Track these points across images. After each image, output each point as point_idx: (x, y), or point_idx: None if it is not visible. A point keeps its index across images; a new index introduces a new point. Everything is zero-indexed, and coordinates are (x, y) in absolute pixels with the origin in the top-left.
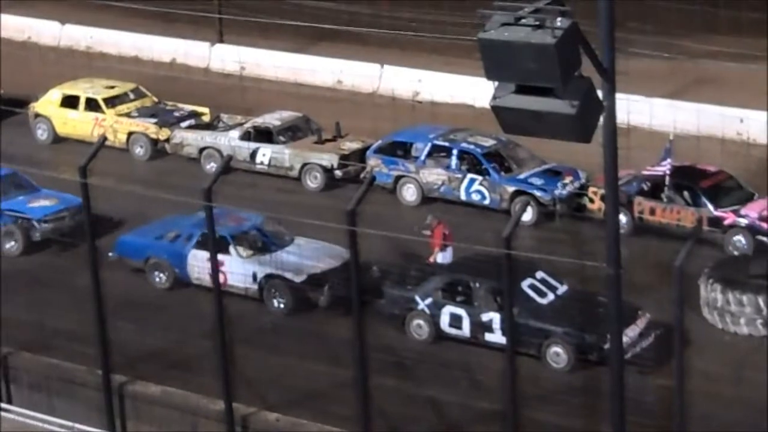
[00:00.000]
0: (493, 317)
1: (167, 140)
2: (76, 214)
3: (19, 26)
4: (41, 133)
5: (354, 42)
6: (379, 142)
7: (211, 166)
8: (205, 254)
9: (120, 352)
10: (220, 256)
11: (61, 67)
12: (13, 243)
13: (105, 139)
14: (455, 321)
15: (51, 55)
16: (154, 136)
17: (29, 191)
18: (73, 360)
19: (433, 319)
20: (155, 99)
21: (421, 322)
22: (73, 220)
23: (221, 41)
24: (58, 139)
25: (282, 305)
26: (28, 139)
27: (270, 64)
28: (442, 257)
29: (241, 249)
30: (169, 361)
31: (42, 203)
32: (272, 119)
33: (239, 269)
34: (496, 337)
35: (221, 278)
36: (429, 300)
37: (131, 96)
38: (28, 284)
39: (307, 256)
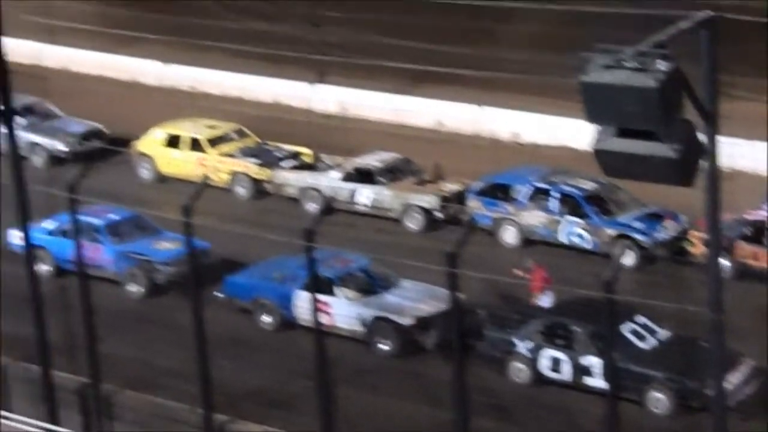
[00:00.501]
0: (593, 361)
1: (269, 180)
2: (199, 258)
3: (124, 66)
4: (144, 173)
5: (455, 83)
6: (480, 184)
7: (312, 207)
8: (311, 296)
9: (222, 391)
10: (326, 298)
11: (164, 107)
12: (136, 286)
13: (208, 178)
14: (555, 364)
15: (155, 95)
16: (256, 176)
17: (153, 234)
18: (176, 398)
19: (533, 363)
20: (257, 139)
21: (521, 365)
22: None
23: (323, 82)
24: (161, 179)
25: (388, 347)
26: (131, 178)
27: (371, 105)
28: (543, 300)
29: (347, 291)
30: (270, 401)
31: (165, 246)
32: (373, 160)
33: (345, 311)
34: (597, 381)
35: (327, 320)
36: (529, 343)
37: (234, 136)
38: (140, 323)
39: (413, 298)
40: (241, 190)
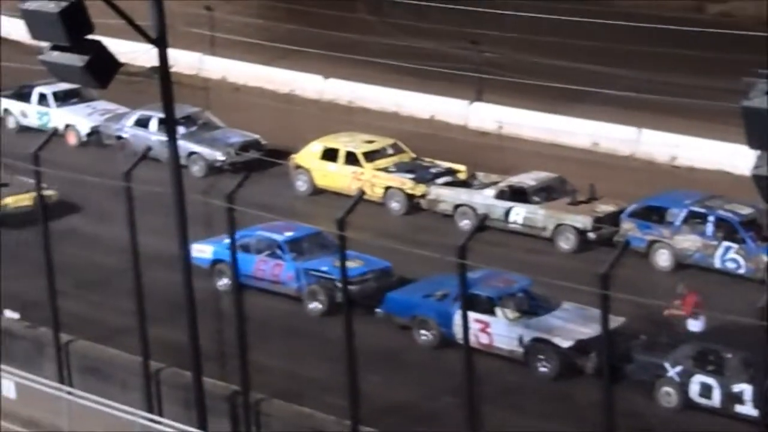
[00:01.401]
0: (745, 389)
1: (423, 196)
2: (381, 277)
3: (284, 79)
4: (301, 185)
5: (613, 104)
6: (634, 205)
7: (466, 224)
8: (471, 315)
9: (370, 405)
10: (486, 317)
11: (322, 121)
12: (316, 303)
13: (363, 193)
14: (705, 390)
15: (313, 109)
16: (410, 191)
17: (334, 251)
18: (324, 410)
19: (682, 388)
20: (413, 155)
21: (670, 389)
22: (377, 282)
23: (480, 100)
24: (316, 191)
25: (547, 369)
26: (287, 191)
27: (528, 124)
28: (694, 325)
29: (507, 311)
30: (417, 416)
31: (348, 264)
32: (528, 179)
33: (505, 331)
34: (747, 409)
35: (486, 339)
36: (679, 368)
37: (390, 151)
38: (294, 335)
39: (573, 320)
40: (395, 206)
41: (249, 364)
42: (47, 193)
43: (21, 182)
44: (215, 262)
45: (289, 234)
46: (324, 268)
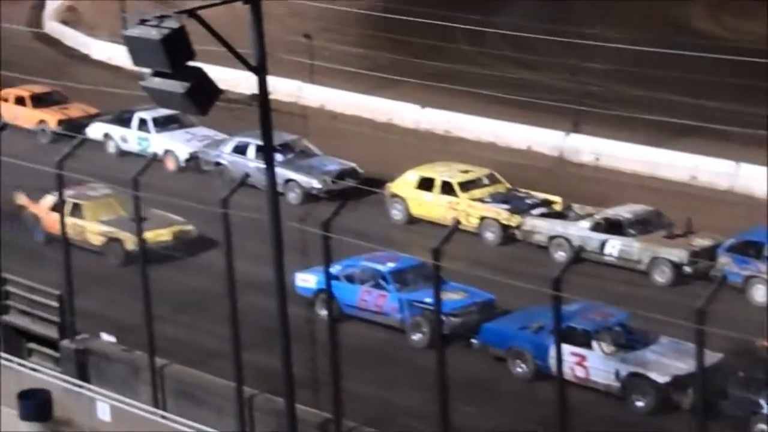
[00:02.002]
0: None
1: (518, 227)
2: (483, 309)
3: (382, 108)
4: (396, 214)
5: (712, 138)
6: (731, 240)
7: (560, 255)
8: (567, 347)
9: None
10: (583, 351)
11: (419, 150)
12: (419, 335)
13: (458, 222)
14: None
15: (410, 138)
16: (505, 222)
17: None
18: None
19: None
20: (509, 185)
21: (765, 426)
22: (480, 314)
23: (577, 131)
24: (412, 220)
25: (643, 404)
26: (383, 219)
27: (625, 157)
28: None
29: (604, 344)
30: None
31: (451, 296)
32: (624, 212)
33: (601, 365)
34: None
35: (582, 372)
36: None
37: (485, 181)
38: (388, 363)
39: (671, 355)
40: (490, 236)
41: (344, 393)
42: (185, 228)
43: (160, 216)
44: (319, 291)
45: (393, 265)
46: (427, 300)
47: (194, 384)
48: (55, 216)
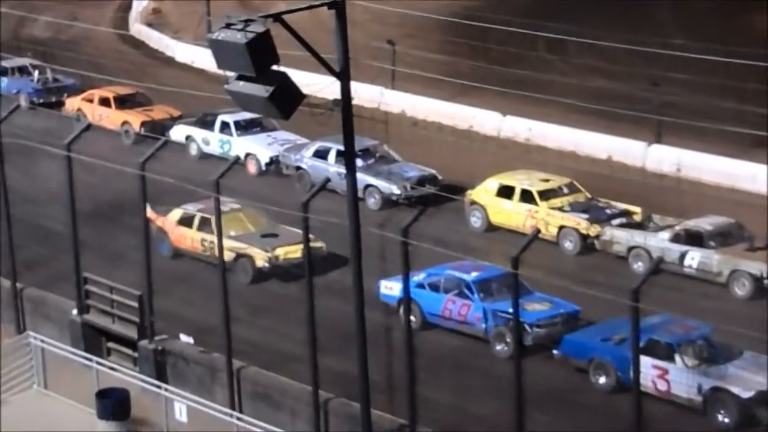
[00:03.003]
0: None
1: (597, 237)
2: (568, 321)
3: (463, 115)
4: (475, 221)
5: None
6: None
7: (639, 266)
8: (649, 360)
9: None
10: (665, 364)
11: (499, 158)
12: (503, 345)
13: (538, 231)
14: None
15: (491, 145)
16: (584, 231)
17: (522, 294)
18: None
19: None
20: (588, 195)
21: None
22: (564, 326)
23: (659, 142)
24: (490, 228)
25: (726, 420)
26: (462, 226)
27: (707, 168)
28: None
29: (686, 358)
30: None
31: (536, 307)
32: (704, 223)
33: (684, 379)
34: None
35: (664, 386)
36: None
37: (565, 190)
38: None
39: (755, 370)
40: (569, 245)
41: (420, 400)
42: (315, 245)
43: (290, 233)
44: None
45: (477, 274)
46: (511, 310)
47: (270, 386)
48: (183, 230)
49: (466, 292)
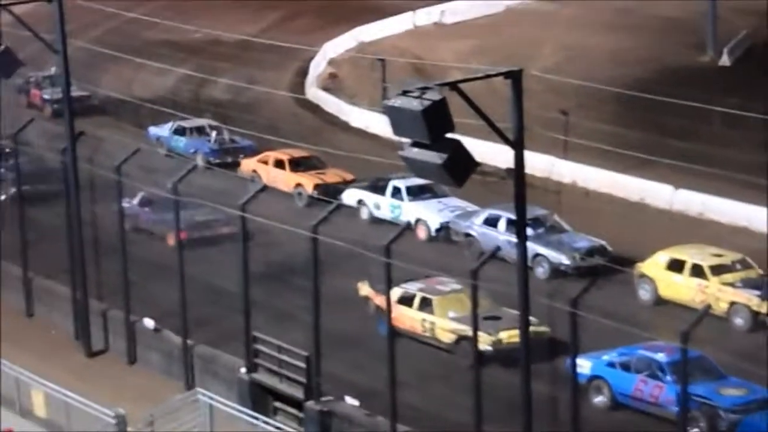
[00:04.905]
0: None
1: None
2: (764, 407)
3: (634, 187)
4: (644, 294)
5: None
6: None
7: None
8: None
9: None
10: None
11: (670, 231)
12: (696, 430)
13: (708, 306)
14: None
15: (662, 218)
16: (756, 308)
17: (717, 377)
18: None
19: None
20: (761, 271)
21: None
22: (761, 411)
23: None
24: (659, 301)
25: None
26: (630, 299)
27: None
28: None
29: None
30: None
31: (731, 392)
32: None
33: None
34: None
35: None
36: None
37: (737, 266)
38: None
39: None
40: (740, 321)
41: None
42: (539, 329)
43: (512, 316)
44: (593, 378)
45: (671, 355)
46: (707, 394)
47: None
48: (403, 309)
49: (659, 373)
